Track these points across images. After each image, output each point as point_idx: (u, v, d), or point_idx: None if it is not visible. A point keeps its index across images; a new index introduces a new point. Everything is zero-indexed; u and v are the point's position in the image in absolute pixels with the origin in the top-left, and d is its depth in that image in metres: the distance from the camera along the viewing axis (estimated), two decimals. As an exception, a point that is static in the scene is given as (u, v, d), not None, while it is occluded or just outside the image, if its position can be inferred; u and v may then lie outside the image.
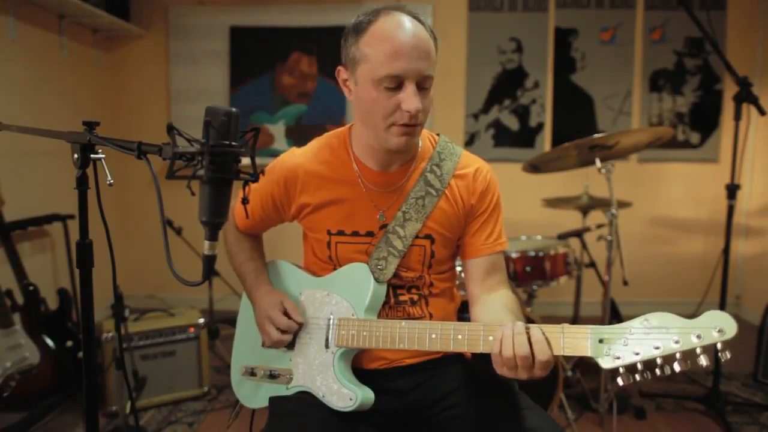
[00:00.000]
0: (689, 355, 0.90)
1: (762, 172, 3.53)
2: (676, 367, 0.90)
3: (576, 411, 2.30)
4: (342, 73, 1.15)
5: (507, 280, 1.26)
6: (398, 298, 1.21)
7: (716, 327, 0.88)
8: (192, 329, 2.42)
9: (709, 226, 3.56)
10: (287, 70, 3.60)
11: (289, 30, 3.57)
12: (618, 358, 0.92)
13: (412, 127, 1.09)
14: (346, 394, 1.12)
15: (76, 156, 0.98)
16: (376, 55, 1.05)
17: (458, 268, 1.35)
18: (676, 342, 0.90)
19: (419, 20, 1.10)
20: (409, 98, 1.05)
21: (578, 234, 2.61)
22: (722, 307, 2.27)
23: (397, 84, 1.05)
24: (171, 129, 0.81)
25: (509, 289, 1.24)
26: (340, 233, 1.21)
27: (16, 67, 2.77)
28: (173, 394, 2.40)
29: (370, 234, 1.20)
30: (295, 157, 1.24)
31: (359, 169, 1.20)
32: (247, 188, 0.86)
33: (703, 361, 0.88)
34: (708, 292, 2.94)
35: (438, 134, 1.28)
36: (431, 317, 1.23)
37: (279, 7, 3.57)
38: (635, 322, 0.94)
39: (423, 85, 1.07)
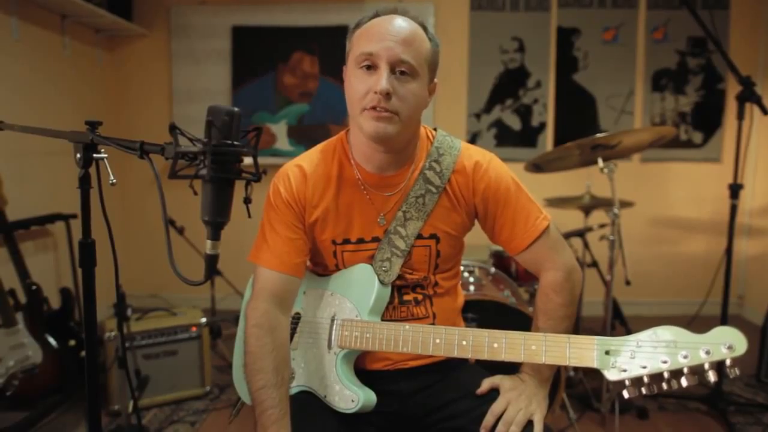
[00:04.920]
0: (697, 370, 0.89)
1: (765, 171, 3.52)
2: (684, 382, 0.88)
3: (578, 411, 2.29)
4: (344, 72, 1.16)
5: (558, 254, 1.18)
6: (402, 297, 1.21)
7: (726, 343, 0.87)
8: (194, 328, 2.42)
9: (711, 225, 3.55)
10: (289, 70, 3.60)
11: (291, 30, 3.57)
12: (624, 370, 0.91)
13: (382, 112, 1.05)
14: (348, 396, 1.12)
15: (78, 155, 0.98)
16: (359, 39, 1.10)
17: (461, 268, 1.34)
18: (685, 357, 0.88)
19: (420, 23, 1.12)
20: (378, 78, 1.05)
21: (580, 234, 2.61)
22: (724, 307, 2.26)
23: (371, 64, 1.06)
24: (173, 128, 0.81)
25: (557, 268, 1.18)
26: (346, 242, 1.19)
27: (18, 67, 2.78)
28: (175, 394, 2.40)
29: (375, 239, 1.18)
30: (295, 165, 1.21)
31: (360, 174, 1.18)
32: (249, 188, 0.86)
33: (711, 376, 0.87)
34: (710, 292, 2.93)
35: (435, 129, 1.25)
36: (435, 317, 1.22)
37: (281, 6, 3.57)
38: (643, 335, 0.92)
39: (397, 68, 1.06)
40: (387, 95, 1.04)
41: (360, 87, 1.07)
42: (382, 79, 1.04)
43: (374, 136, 1.08)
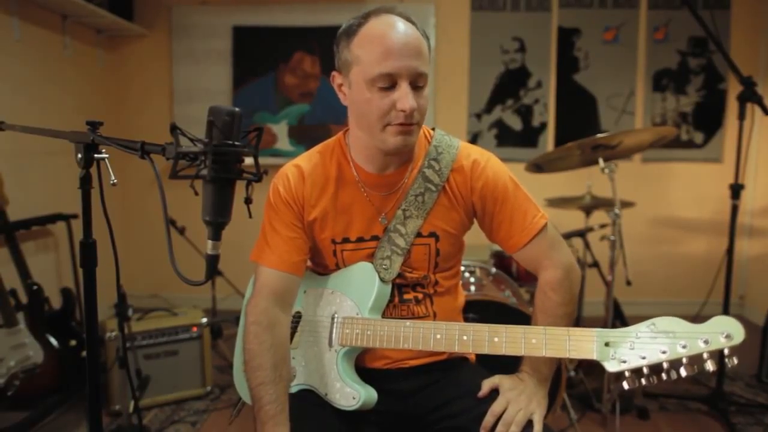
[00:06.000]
0: (696, 360, 0.90)
1: (766, 171, 3.52)
2: (683, 372, 0.90)
3: (579, 411, 2.29)
4: (336, 78, 1.15)
5: (555, 252, 1.19)
6: (403, 296, 1.21)
7: (724, 332, 0.88)
8: (195, 329, 2.43)
9: (712, 226, 3.55)
10: (290, 70, 3.61)
11: (292, 30, 3.57)
12: (624, 361, 0.92)
13: (408, 126, 1.07)
14: (349, 393, 1.12)
15: (79, 156, 0.98)
16: (368, 55, 1.05)
17: (461, 268, 1.34)
18: (683, 347, 0.89)
19: (410, 20, 1.09)
20: (403, 97, 1.04)
21: (581, 234, 2.61)
22: (726, 307, 2.27)
23: (390, 83, 1.05)
24: (174, 129, 0.81)
25: (555, 266, 1.18)
26: (345, 241, 1.20)
27: (20, 67, 2.78)
28: (176, 394, 2.40)
29: (375, 238, 1.19)
30: (294, 166, 1.22)
31: (358, 174, 1.19)
32: (250, 188, 0.86)
33: (710, 366, 0.88)
34: (711, 293, 2.93)
35: (433, 128, 1.25)
36: (435, 316, 1.22)
37: (282, 6, 3.57)
38: (642, 326, 0.93)
39: (417, 83, 1.06)
40: (411, 111, 1.05)
41: (382, 104, 1.06)
42: (409, 98, 1.04)
43: (400, 149, 1.10)
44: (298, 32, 3.57)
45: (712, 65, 3.52)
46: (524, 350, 1.01)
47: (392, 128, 1.07)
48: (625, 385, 0.93)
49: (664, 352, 0.90)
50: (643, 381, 0.92)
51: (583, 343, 0.95)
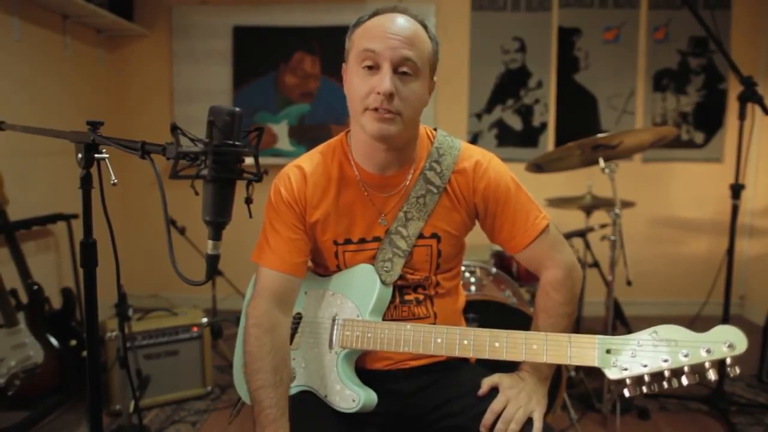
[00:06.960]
0: (698, 368, 0.89)
1: (766, 171, 3.51)
2: (684, 381, 0.89)
3: (579, 411, 2.29)
4: (343, 68, 1.16)
5: (557, 252, 1.19)
6: (404, 297, 1.21)
7: (726, 342, 0.88)
8: (195, 329, 2.43)
9: (713, 226, 3.55)
10: (290, 70, 3.60)
11: (292, 30, 3.57)
12: (625, 369, 0.92)
13: (387, 113, 1.05)
14: (348, 395, 1.12)
15: (80, 156, 0.98)
16: (361, 37, 1.08)
17: (462, 268, 1.34)
18: (685, 356, 0.89)
19: (423, 24, 1.11)
20: (382, 78, 1.04)
21: (581, 234, 2.61)
22: (726, 307, 2.26)
23: (373, 62, 1.05)
24: (175, 129, 0.81)
25: (557, 266, 1.19)
26: (347, 242, 1.19)
27: (20, 67, 2.78)
28: (176, 394, 2.40)
29: (376, 239, 1.18)
30: (295, 167, 1.21)
31: (360, 174, 1.18)
32: (250, 188, 0.86)
33: (712, 375, 0.88)
34: (712, 293, 2.93)
35: (435, 128, 1.25)
36: (436, 317, 1.22)
37: (282, 6, 3.57)
38: (644, 334, 0.93)
39: (401, 68, 1.05)
40: (390, 96, 1.04)
41: (362, 86, 1.06)
42: (386, 80, 1.03)
43: (377, 136, 1.08)
44: (298, 32, 3.57)
45: (713, 65, 3.52)
46: (525, 356, 1.01)
47: (370, 113, 1.07)
48: (627, 393, 0.93)
49: (665, 361, 0.90)
50: (644, 389, 0.91)
51: (584, 350, 0.95)
